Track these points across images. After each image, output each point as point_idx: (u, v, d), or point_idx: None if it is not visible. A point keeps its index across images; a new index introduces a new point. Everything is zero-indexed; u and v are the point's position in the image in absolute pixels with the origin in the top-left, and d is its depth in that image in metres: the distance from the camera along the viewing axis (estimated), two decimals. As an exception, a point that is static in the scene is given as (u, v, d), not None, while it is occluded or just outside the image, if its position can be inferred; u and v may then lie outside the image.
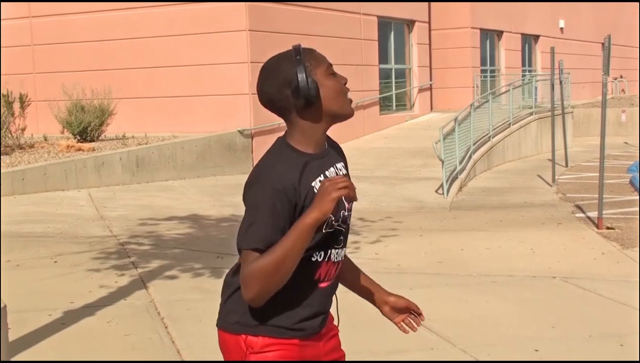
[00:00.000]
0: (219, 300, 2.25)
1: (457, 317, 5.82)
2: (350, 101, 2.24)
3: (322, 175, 2.19)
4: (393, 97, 21.26)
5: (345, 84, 2.22)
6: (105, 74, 16.50)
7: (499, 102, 20.18)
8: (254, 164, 12.76)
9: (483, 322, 5.70)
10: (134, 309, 5.90)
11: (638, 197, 11.87)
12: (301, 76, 2.14)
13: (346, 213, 2.26)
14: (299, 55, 2.16)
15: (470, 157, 15.49)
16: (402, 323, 2.47)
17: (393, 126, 20.12)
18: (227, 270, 2.31)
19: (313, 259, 2.19)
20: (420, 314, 2.47)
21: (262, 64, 2.25)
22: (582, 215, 10.64)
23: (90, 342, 5.16)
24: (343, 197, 2.14)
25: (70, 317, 5.62)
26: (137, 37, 16.41)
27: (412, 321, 2.46)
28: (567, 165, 17.10)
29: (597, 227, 9.52)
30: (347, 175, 2.31)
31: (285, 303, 2.16)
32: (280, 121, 16.84)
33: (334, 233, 2.22)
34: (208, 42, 15.78)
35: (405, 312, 2.46)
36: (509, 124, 18.96)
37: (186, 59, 16.03)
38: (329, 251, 2.22)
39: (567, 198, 12.46)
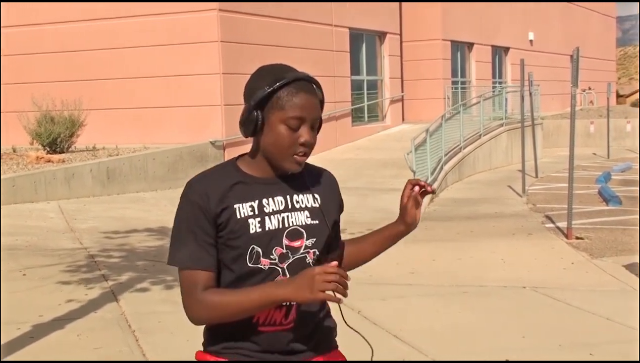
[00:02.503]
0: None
1: (429, 327, 5.84)
2: (300, 162, 2.02)
3: (256, 201, 2.03)
4: (365, 108, 21.34)
5: (303, 144, 2.00)
6: (76, 84, 16.38)
7: (470, 114, 20.36)
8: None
9: (455, 332, 5.72)
10: (105, 322, 5.84)
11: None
12: (254, 101, 1.99)
13: (288, 253, 2.04)
14: (275, 86, 1.97)
15: (441, 168, 15.59)
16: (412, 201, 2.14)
17: (365, 137, 20.20)
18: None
19: None
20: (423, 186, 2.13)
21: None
22: (551, 225, 10.75)
23: (60, 355, 5.10)
24: (285, 234, 2.03)
25: (40, 331, 5.55)
26: (109, 48, 16.32)
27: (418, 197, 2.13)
28: (537, 176, 17.26)
29: (567, 237, 9.62)
30: (310, 209, 2.09)
31: (225, 337, 2.07)
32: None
33: (269, 273, 2.02)
34: (180, 53, 15.74)
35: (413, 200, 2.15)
36: (480, 135, 19.12)
37: (158, 70, 15.97)
38: None
39: (537, 209, 12.58)
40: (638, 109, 24.84)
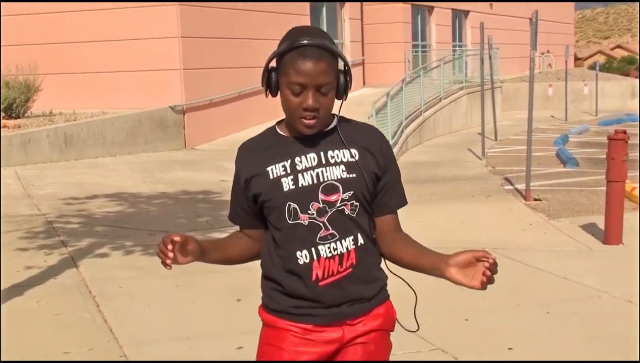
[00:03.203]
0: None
1: (389, 289, 5.89)
2: (308, 125, 2.08)
3: (289, 160, 2.11)
4: (325, 72, 21.22)
5: (306, 109, 2.05)
6: (31, 48, 16.04)
7: (430, 77, 20.41)
8: (187, 140, 12.63)
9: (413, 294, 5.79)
10: (65, 288, 5.80)
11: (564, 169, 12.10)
12: (265, 64, 2.12)
13: (326, 207, 2.10)
14: (279, 52, 2.08)
15: (402, 131, 15.65)
16: (478, 278, 2.10)
17: (326, 101, 20.12)
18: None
19: (300, 262, 2.11)
20: (488, 257, 2.12)
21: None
22: (510, 187, 10.89)
23: (20, 322, 5.05)
24: (320, 189, 2.09)
25: (-2, 298, 5.49)
26: (64, 11, 15.98)
27: (485, 270, 2.09)
28: (496, 139, 17.43)
29: (525, 198, 9.76)
30: (346, 163, 2.11)
31: (288, 294, 2.17)
32: (212, 97, 16.58)
33: (310, 227, 2.10)
34: (137, 16, 15.47)
35: (473, 265, 2.13)
36: (440, 99, 19.20)
37: (115, 34, 15.69)
38: (313, 249, 2.11)
39: (496, 171, 12.72)
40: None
